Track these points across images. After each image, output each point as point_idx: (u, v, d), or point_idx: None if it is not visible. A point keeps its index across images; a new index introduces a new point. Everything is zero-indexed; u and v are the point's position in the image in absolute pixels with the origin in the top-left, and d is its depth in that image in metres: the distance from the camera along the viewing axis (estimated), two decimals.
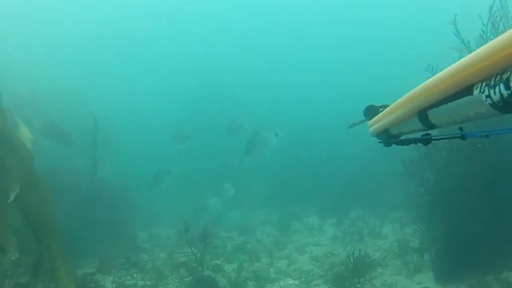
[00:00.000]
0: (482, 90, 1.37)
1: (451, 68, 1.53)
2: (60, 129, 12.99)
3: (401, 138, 2.33)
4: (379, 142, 2.57)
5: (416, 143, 2.12)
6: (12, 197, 7.36)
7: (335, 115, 18.84)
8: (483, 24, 7.15)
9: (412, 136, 2.19)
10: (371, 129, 2.58)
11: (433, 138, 1.98)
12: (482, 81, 1.38)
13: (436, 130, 1.96)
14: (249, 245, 11.62)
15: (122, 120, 22.99)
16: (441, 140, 1.93)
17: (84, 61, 32.33)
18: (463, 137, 1.69)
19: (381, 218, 12.72)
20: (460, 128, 1.73)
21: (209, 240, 9.10)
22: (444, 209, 7.69)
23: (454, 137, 1.74)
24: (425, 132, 2.01)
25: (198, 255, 9.55)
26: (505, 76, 1.26)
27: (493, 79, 1.31)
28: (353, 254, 8.20)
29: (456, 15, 7.50)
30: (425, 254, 8.59)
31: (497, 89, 1.28)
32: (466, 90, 1.47)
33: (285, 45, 39.27)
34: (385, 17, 36.11)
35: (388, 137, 2.42)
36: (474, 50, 1.46)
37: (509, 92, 1.24)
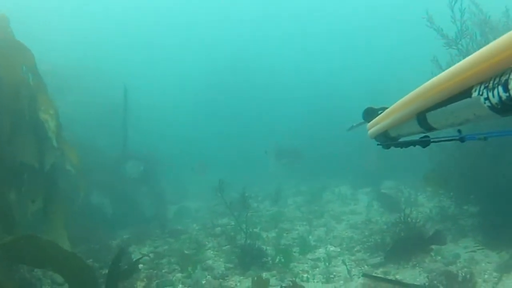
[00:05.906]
0: (480, 93, 1.37)
1: (450, 71, 1.52)
2: None
3: (399, 140, 2.34)
4: (378, 144, 2.56)
5: (414, 146, 2.15)
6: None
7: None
8: None
9: (410, 138, 2.20)
10: (369, 131, 2.58)
11: (431, 140, 1.99)
12: (480, 83, 1.38)
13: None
14: (284, 215, 11.46)
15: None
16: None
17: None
18: (461, 140, 1.70)
19: (414, 187, 12.38)
20: (459, 130, 1.73)
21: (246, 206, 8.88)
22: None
23: (453, 140, 1.74)
24: (423, 135, 2.01)
25: (233, 223, 9.44)
26: (503, 79, 1.25)
27: (491, 82, 1.32)
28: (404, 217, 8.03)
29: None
30: (468, 220, 8.30)
31: (495, 92, 1.29)
32: (464, 93, 1.47)
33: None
34: (386, 19, 35.74)
35: (386, 139, 2.42)
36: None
37: (507, 94, 1.23)
